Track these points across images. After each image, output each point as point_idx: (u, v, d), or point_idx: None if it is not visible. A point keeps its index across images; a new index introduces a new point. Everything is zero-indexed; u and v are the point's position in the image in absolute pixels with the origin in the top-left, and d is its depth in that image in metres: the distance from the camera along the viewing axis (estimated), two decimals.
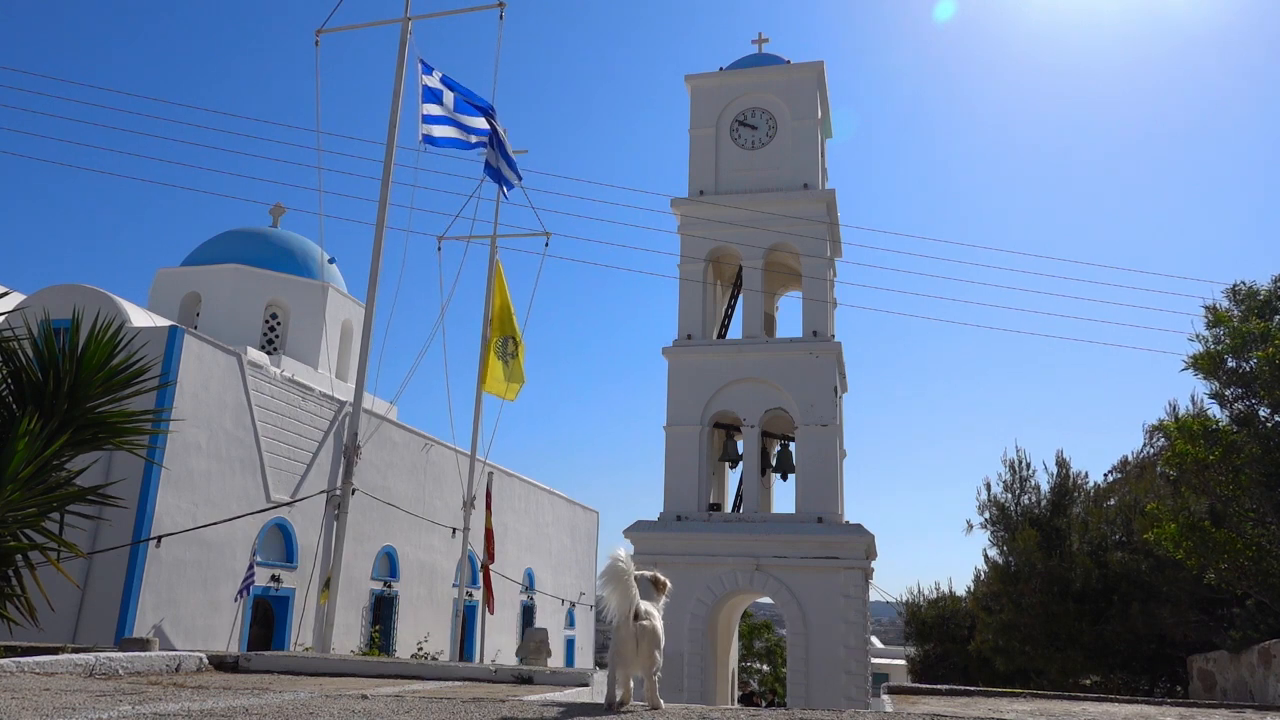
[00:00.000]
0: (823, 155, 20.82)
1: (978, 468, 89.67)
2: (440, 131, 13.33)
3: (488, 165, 14.81)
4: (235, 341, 19.85)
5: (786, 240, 19.12)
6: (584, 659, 32.06)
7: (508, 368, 18.52)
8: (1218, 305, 11.23)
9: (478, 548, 19.90)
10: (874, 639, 27.15)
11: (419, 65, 13.31)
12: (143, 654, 6.63)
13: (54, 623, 10.21)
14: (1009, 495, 16.33)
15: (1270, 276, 11.29)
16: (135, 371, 6.74)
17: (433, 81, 13.35)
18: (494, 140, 14.35)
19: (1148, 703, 7.85)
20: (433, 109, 13.27)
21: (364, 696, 5.14)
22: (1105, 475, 17.55)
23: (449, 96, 13.50)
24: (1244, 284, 11.33)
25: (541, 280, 33.62)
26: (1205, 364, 10.48)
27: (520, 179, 15.81)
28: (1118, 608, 13.49)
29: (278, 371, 18.63)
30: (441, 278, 17.22)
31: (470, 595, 22.15)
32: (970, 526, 16.76)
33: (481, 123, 13.87)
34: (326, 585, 12.32)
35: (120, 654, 6.50)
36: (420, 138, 13.16)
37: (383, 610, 20.93)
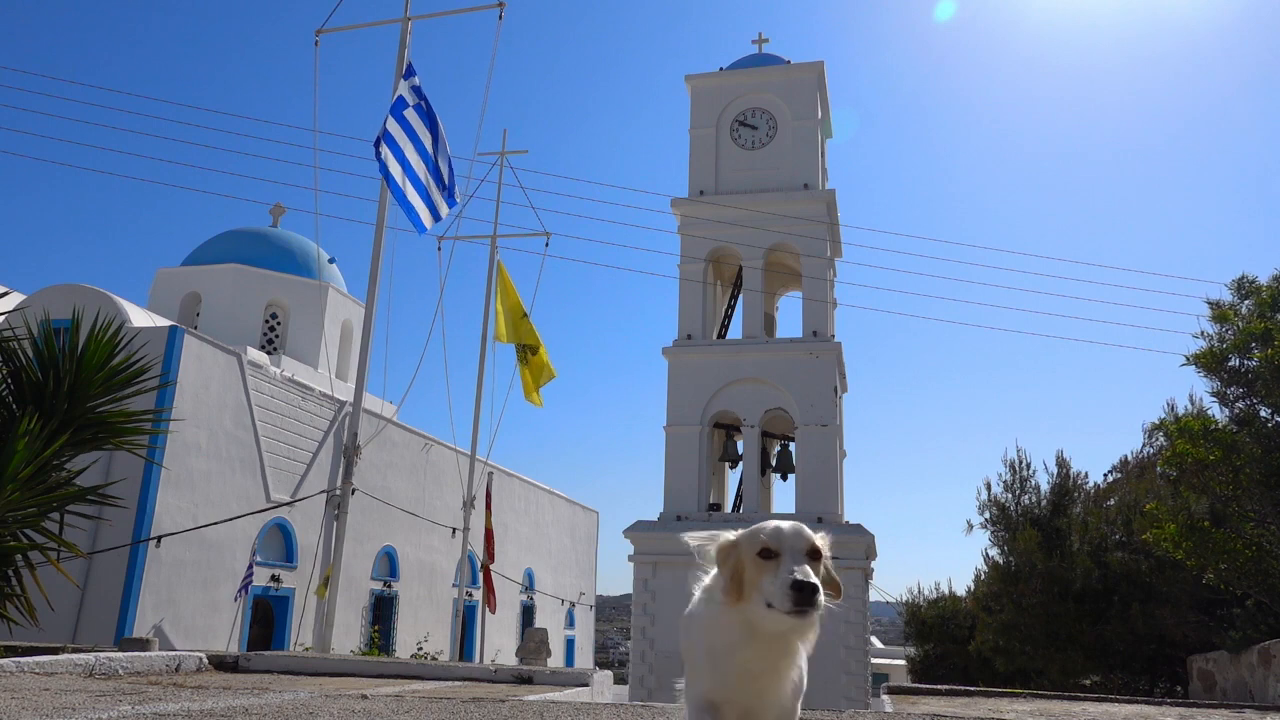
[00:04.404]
0: (823, 155, 20.82)
1: (978, 468, 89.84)
2: (393, 167, 11.45)
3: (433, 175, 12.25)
4: (235, 341, 19.84)
5: (786, 240, 19.12)
6: (584, 659, 32.06)
7: (531, 371, 18.40)
8: (1221, 301, 11.14)
9: (478, 548, 19.89)
10: (874, 639, 27.14)
11: (407, 68, 13.05)
12: (143, 654, 6.62)
13: (54, 623, 10.20)
14: (1009, 495, 16.31)
15: (1271, 272, 11.11)
16: (135, 371, 6.74)
17: (406, 92, 12.19)
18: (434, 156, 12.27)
19: (1148, 703, 7.84)
20: (396, 127, 11.72)
21: (364, 696, 5.13)
22: (1105, 475, 17.53)
23: (411, 152, 11.79)
24: (1248, 278, 11.18)
25: (542, 280, 33.63)
26: (1206, 361, 10.44)
27: (439, 214, 12.42)
28: (1118, 608, 13.47)
29: (278, 371, 18.64)
30: (442, 278, 17.18)
31: (470, 595, 22.16)
32: (970, 526, 16.74)
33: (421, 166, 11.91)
34: (325, 581, 12.28)
35: (120, 654, 6.49)
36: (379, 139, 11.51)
37: (383, 610, 20.93)
